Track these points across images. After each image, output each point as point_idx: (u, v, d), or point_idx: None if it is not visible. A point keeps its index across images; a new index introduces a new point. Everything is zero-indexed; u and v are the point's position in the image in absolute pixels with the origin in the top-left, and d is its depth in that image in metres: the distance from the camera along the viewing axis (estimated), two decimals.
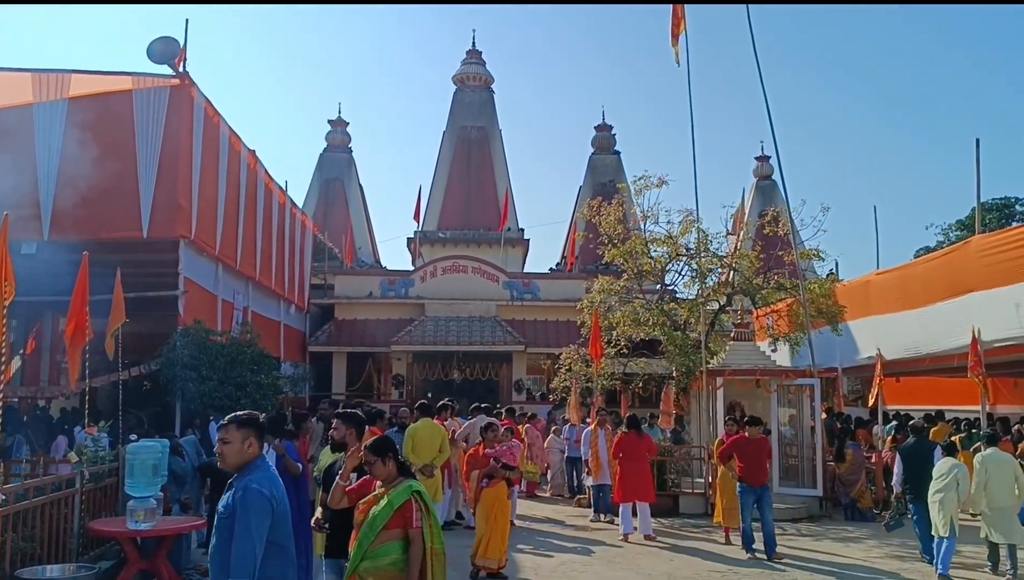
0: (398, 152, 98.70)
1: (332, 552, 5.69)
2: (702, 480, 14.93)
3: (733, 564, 10.10)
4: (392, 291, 27.84)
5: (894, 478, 11.32)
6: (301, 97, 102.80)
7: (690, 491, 14.75)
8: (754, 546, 10.64)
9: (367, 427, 9.97)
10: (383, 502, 4.84)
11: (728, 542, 11.43)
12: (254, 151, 18.98)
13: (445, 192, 36.04)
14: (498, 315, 27.11)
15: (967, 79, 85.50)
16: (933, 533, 9.69)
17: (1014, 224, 29.91)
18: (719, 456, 11.34)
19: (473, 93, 37.54)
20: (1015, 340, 13.51)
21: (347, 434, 5.94)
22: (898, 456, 11.24)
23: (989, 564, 9.83)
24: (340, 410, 6.37)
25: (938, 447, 10.84)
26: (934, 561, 9.64)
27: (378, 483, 5.02)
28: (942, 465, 9.90)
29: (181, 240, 15.18)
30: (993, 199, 37.65)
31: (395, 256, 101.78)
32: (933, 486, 9.76)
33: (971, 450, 15.26)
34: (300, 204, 29.37)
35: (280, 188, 21.61)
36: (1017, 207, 37.23)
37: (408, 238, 35.79)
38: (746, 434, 11.05)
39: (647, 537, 11.75)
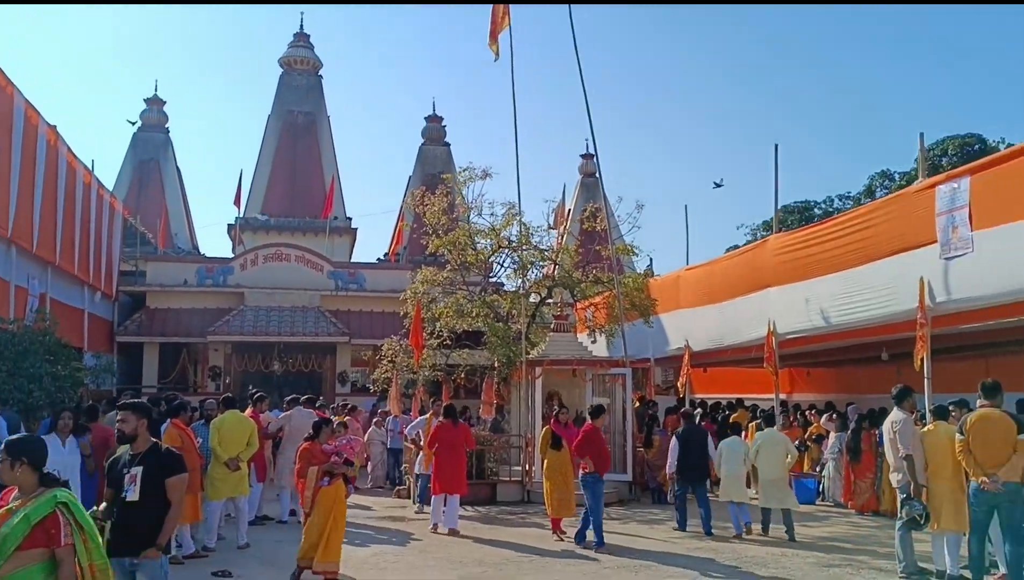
0: (220, 135, 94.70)
1: (115, 551, 5.24)
2: (520, 468, 15.30)
3: (544, 554, 10.29)
4: (210, 279, 26.64)
5: (668, 460, 12.53)
6: (112, 72, 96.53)
7: (508, 479, 15.07)
8: (571, 534, 11.00)
9: (169, 419, 9.58)
10: (17, 517, 4.10)
11: (560, 535, 11.20)
12: (55, 126, 17.62)
13: (269, 178, 34.86)
14: (322, 305, 26.54)
15: (773, 87, 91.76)
16: (727, 500, 11.71)
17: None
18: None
19: (300, 77, 36.49)
20: (805, 332, 14.70)
21: (139, 425, 5.63)
22: (674, 439, 12.50)
23: (761, 527, 11.55)
24: (126, 400, 5.96)
25: (708, 433, 12.85)
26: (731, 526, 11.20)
27: (14, 494, 4.29)
28: (733, 444, 12.02)
29: None
30: (795, 202, 40.71)
31: (216, 243, 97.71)
32: (727, 464, 11.78)
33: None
34: (111, 186, 27.57)
35: (85, 167, 20.20)
36: (816, 210, 40.31)
37: (229, 225, 34.38)
38: (594, 424, 11.07)
39: (451, 531, 11.59)
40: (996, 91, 71.82)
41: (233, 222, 32.96)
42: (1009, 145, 32.53)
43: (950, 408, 9.56)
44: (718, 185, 16.82)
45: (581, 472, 11.03)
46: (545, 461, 11.72)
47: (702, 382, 23.14)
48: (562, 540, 11.06)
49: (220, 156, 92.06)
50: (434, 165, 36.27)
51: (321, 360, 26.37)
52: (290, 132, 35.32)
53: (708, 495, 11.99)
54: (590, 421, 11.27)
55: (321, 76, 37.27)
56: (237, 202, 31.30)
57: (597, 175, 21.66)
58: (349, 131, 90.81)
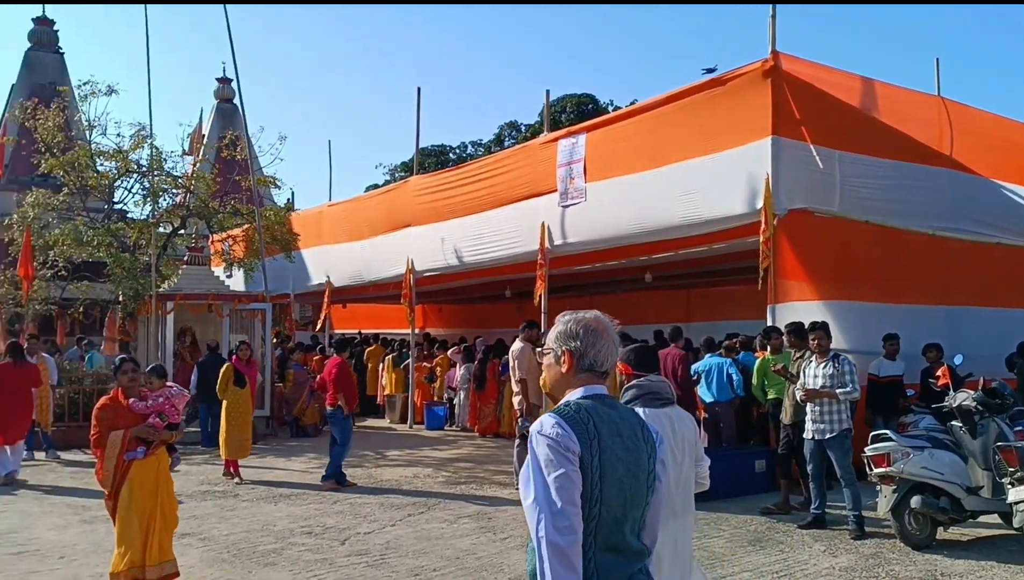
0: None
1: None
2: None
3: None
4: None
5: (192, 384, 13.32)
6: None
7: None
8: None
9: None
10: None
11: (235, 476, 10.61)
12: None
13: None
14: None
15: (413, 34, 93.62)
16: None
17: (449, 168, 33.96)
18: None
19: None
20: (440, 270, 15.56)
21: None
22: (197, 368, 13.64)
23: None
24: None
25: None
26: None
27: None
28: None
29: None
30: (433, 145, 42.16)
31: None
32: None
33: (401, 366, 17.46)
34: None
35: None
36: (451, 155, 42.17)
37: None
38: (342, 357, 10.84)
39: (8, 476, 10.51)
40: (608, 57, 79.74)
41: None
42: (617, 107, 36.67)
43: None
44: (710, 70, 13.95)
45: (329, 407, 10.53)
46: (225, 400, 11.02)
47: (341, 318, 23.51)
48: (241, 482, 10.47)
49: None
50: (44, 74, 31.96)
51: None
52: None
53: None
54: (336, 354, 11.08)
55: None
56: None
57: (236, 101, 20.69)
58: None
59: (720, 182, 10.40)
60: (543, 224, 12.78)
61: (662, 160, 11.15)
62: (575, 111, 35.97)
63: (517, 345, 10.31)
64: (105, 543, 7.40)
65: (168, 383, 6.27)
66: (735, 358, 10.60)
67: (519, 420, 10.08)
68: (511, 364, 10.39)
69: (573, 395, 2.44)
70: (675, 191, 10.89)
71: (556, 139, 12.92)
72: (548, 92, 14.23)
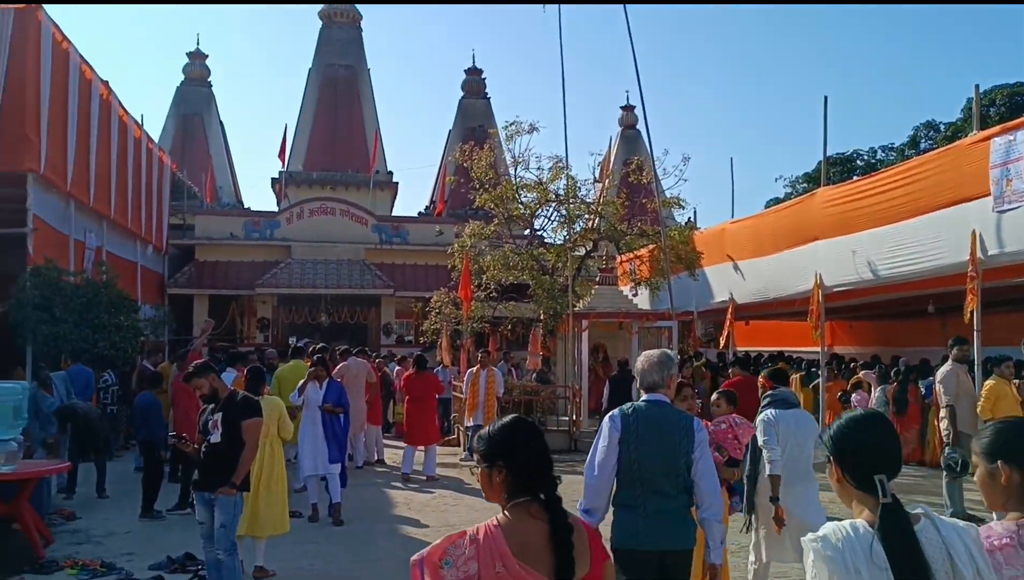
0: (261, 89, 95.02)
1: (200, 486, 6.09)
2: (567, 418, 15.60)
3: None
4: (256, 233, 27.10)
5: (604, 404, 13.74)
6: (156, 26, 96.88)
7: (555, 428, 15.39)
8: None
9: (233, 368, 9.97)
10: None
11: None
12: (107, 81, 17.95)
13: (311, 132, 35.10)
14: (367, 258, 26.91)
15: (820, 39, 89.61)
16: None
17: (855, 177, 31.89)
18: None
19: (340, 30, 36.48)
20: (852, 285, 14.66)
21: (210, 382, 6.09)
22: (608, 383, 14.16)
23: None
24: (187, 372, 6.54)
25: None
26: None
27: None
28: None
29: (29, 174, 14.27)
30: (837, 153, 39.89)
31: (257, 197, 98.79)
32: None
33: (810, 386, 16.75)
34: (156, 139, 28.03)
35: (136, 122, 20.56)
36: (858, 161, 39.53)
37: (273, 179, 34.81)
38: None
39: (429, 478, 11.78)
40: None
41: (277, 176, 33.40)
42: None
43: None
44: None
45: None
46: None
47: (743, 335, 23.15)
48: None
49: (260, 110, 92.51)
50: (474, 118, 36.25)
51: (366, 312, 26.79)
52: (331, 86, 35.44)
53: None
54: (740, 372, 11.76)
55: (361, 29, 37.27)
56: (282, 156, 31.66)
57: (640, 127, 21.62)
58: (389, 84, 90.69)
59: None
60: (974, 232, 11.45)
61: None
62: (1006, 104, 31.81)
63: (946, 367, 9.44)
64: None
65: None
66: None
67: (944, 449, 9.20)
68: (935, 388, 9.50)
69: (640, 401, 4.11)
70: None
71: (988, 137, 11.54)
72: (977, 86, 12.85)
